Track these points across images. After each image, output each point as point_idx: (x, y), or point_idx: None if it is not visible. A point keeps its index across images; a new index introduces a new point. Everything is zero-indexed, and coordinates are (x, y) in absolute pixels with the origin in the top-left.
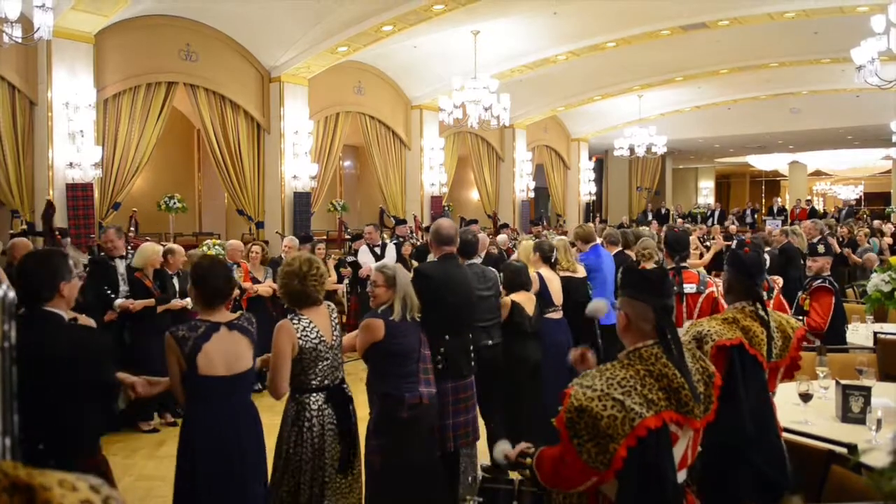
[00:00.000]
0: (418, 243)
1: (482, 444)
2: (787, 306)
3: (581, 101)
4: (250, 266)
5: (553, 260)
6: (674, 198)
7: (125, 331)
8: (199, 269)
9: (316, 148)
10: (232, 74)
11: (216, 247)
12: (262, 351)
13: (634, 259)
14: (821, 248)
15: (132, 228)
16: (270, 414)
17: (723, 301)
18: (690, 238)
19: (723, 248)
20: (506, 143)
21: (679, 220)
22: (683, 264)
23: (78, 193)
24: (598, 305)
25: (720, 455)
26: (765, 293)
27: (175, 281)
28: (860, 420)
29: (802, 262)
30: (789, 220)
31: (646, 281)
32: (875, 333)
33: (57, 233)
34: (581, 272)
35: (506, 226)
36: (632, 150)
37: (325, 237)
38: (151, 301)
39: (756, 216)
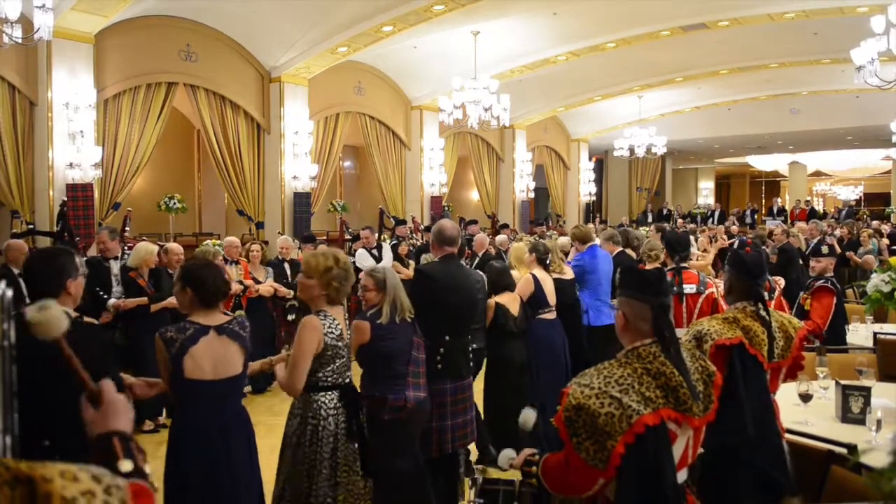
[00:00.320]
0: (419, 243)
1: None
2: (787, 307)
3: (581, 101)
4: (250, 266)
5: (548, 261)
6: (674, 198)
7: (117, 331)
8: (194, 271)
9: (316, 148)
10: (232, 75)
11: (216, 246)
12: (261, 351)
13: (635, 259)
14: (825, 249)
15: (126, 228)
16: (269, 415)
17: (723, 302)
18: (700, 239)
19: (726, 248)
20: (506, 143)
21: (679, 221)
22: (684, 264)
23: (78, 194)
24: (527, 417)
25: (721, 456)
26: (766, 293)
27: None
28: (860, 420)
29: (802, 262)
30: (789, 221)
31: (644, 281)
32: (875, 334)
33: (65, 234)
34: (569, 274)
35: (505, 226)
36: (632, 150)
37: (325, 237)
38: (144, 300)
39: (756, 217)
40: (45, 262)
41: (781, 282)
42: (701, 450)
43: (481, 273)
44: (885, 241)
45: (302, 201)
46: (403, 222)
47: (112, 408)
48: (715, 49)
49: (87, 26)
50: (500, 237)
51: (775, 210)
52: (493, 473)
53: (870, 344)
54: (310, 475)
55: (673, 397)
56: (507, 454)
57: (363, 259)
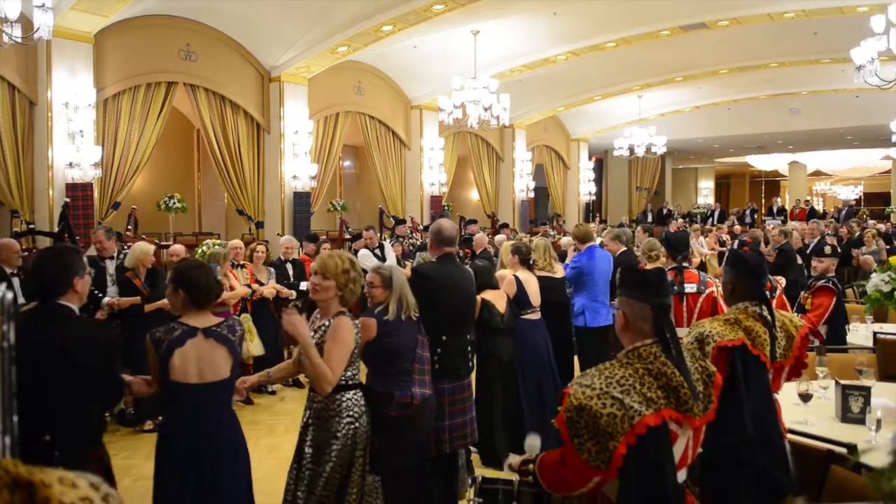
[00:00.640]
0: (418, 243)
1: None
2: (788, 306)
3: (581, 101)
4: (254, 267)
5: (531, 262)
6: (673, 198)
7: (112, 330)
8: (186, 272)
9: (316, 148)
10: (232, 74)
11: (216, 246)
12: (266, 351)
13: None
14: (828, 250)
15: (130, 227)
16: (269, 414)
17: (723, 301)
18: (708, 239)
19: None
20: (505, 143)
21: (680, 220)
22: (685, 264)
23: (78, 193)
24: (532, 444)
25: (721, 456)
26: (767, 293)
27: None
28: (860, 420)
29: (803, 262)
30: (789, 221)
31: (644, 280)
32: (875, 333)
33: (66, 234)
34: (559, 273)
35: (505, 225)
36: (631, 150)
37: (324, 237)
38: (137, 299)
39: (756, 216)
40: (53, 259)
41: (783, 281)
42: (700, 450)
43: (469, 269)
44: (882, 243)
45: (302, 201)
46: (403, 222)
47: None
48: (715, 49)
49: (87, 26)
50: (499, 237)
51: (775, 210)
52: (493, 473)
53: (870, 344)
54: (348, 473)
55: (674, 397)
56: (534, 443)
57: (366, 259)
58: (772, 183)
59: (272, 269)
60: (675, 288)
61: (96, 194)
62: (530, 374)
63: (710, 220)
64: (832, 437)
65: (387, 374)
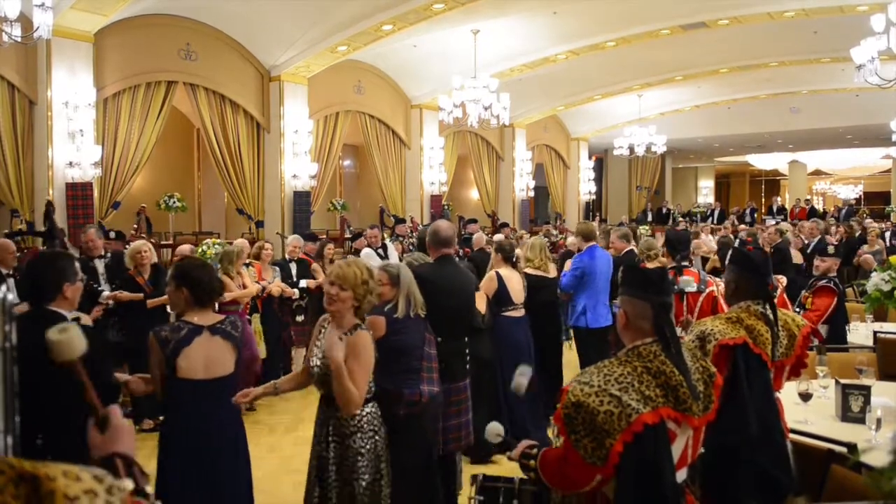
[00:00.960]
0: (417, 242)
1: None
2: (790, 305)
3: (581, 100)
4: (261, 265)
5: (514, 260)
6: (673, 197)
7: (111, 329)
8: (190, 270)
9: (316, 147)
10: (231, 74)
11: (215, 246)
12: (272, 351)
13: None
14: (831, 249)
15: (135, 226)
16: (269, 414)
17: (723, 301)
18: (716, 239)
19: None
20: (505, 142)
21: (680, 220)
22: (684, 263)
23: (77, 193)
24: (493, 428)
25: (722, 455)
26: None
27: None
28: (860, 419)
29: (804, 261)
30: (789, 220)
31: (645, 279)
32: (875, 333)
33: (51, 234)
34: (552, 273)
35: (505, 225)
36: (631, 149)
37: (324, 236)
38: (140, 295)
39: (756, 215)
40: (45, 265)
41: (784, 280)
42: (701, 449)
43: (472, 273)
44: (883, 243)
45: (302, 200)
46: (403, 221)
47: (117, 432)
48: (715, 48)
49: (87, 25)
50: (498, 236)
51: (775, 209)
52: (492, 471)
53: (870, 343)
54: (378, 479)
55: (673, 396)
56: (495, 428)
57: (369, 258)
58: (772, 182)
59: (277, 268)
60: (675, 287)
61: (96, 194)
62: (510, 372)
63: (710, 219)
64: (832, 436)
65: (395, 371)
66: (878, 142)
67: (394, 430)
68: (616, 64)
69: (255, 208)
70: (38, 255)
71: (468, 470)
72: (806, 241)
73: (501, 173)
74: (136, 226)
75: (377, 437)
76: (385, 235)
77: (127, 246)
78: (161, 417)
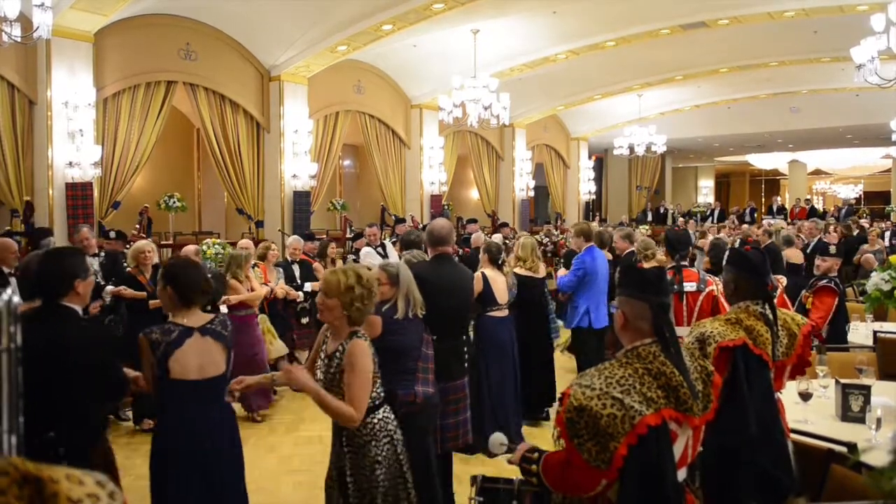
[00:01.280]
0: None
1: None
2: (790, 305)
3: (581, 100)
4: (266, 266)
5: (500, 261)
6: (673, 197)
7: (112, 324)
8: (174, 269)
9: (316, 147)
10: (231, 73)
11: (215, 246)
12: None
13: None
14: (832, 249)
15: (137, 226)
16: (269, 413)
17: (723, 300)
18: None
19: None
20: (505, 142)
21: (680, 220)
22: (684, 263)
23: (77, 192)
24: (495, 440)
25: (723, 455)
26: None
27: None
28: (860, 419)
29: (805, 261)
30: (789, 219)
31: (644, 280)
32: (875, 332)
33: (31, 233)
34: (541, 273)
35: (505, 224)
36: (631, 149)
37: (324, 236)
38: (143, 294)
39: (756, 215)
40: (55, 261)
41: (784, 280)
42: (701, 449)
43: (471, 271)
44: (883, 243)
45: (302, 200)
46: (403, 221)
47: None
48: (715, 47)
49: (87, 25)
50: (497, 236)
51: (775, 209)
52: (492, 471)
53: (870, 342)
54: (403, 487)
55: (674, 397)
56: (498, 438)
57: (369, 257)
58: (772, 182)
59: (280, 270)
60: (675, 287)
61: (96, 194)
62: (494, 371)
63: (710, 219)
64: (832, 435)
65: (390, 372)
66: (878, 141)
67: None
68: (616, 64)
69: (255, 208)
70: (47, 252)
71: (467, 470)
72: (806, 241)
73: (501, 173)
74: (137, 225)
75: (394, 442)
76: (385, 235)
77: (128, 246)
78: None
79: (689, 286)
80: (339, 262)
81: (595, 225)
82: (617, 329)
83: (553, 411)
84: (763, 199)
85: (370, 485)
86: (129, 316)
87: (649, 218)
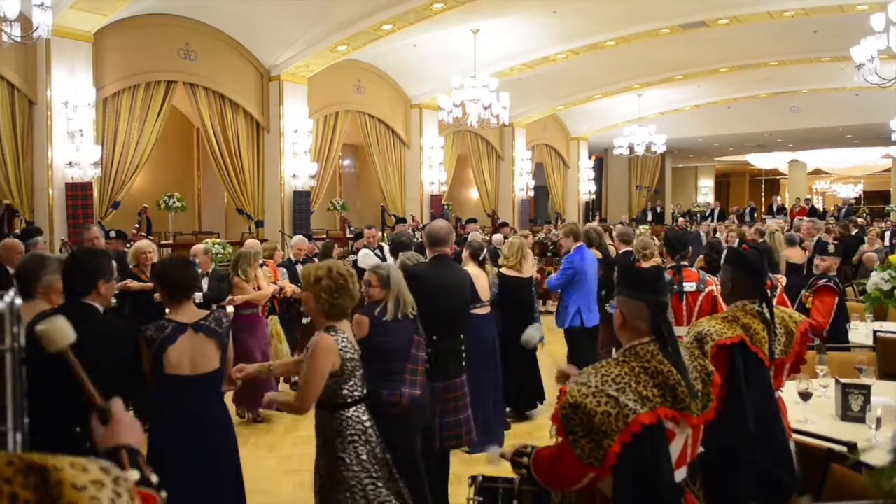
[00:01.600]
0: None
1: None
2: (789, 304)
3: (581, 99)
4: (274, 265)
5: (481, 258)
6: (673, 196)
7: (131, 320)
8: (159, 267)
9: (315, 147)
10: (231, 73)
11: (215, 246)
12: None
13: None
14: (831, 248)
15: (136, 226)
16: (269, 412)
17: (722, 300)
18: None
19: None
20: (505, 141)
21: (680, 220)
22: (684, 263)
23: (77, 192)
24: (531, 334)
25: (724, 454)
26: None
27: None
28: (860, 418)
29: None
30: (789, 219)
31: (641, 279)
32: (875, 332)
33: (16, 233)
34: (527, 273)
35: (505, 224)
36: (631, 148)
37: (324, 236)
38: (150, 285)
39: (756, 215)
40: (84, 261)
41: (783, 280)
42: (701, 448)
43: (468, 272)
44: (881, 242)
45: (301, 200)
46: (404, 220)
47: (119, 424)
48: (715, 47)
49: (87, 25)
50: (496, 236)
51: (775, 208)
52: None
53: (870, 342)
54: (373, 488)
55: (671, 396)
56: (496, 451)
57: (367, 258)
58: (772, 181)
59: (284, 270)
60: (675, 287)
61: (96, 194)
62: (475, 369)
63: (710, 218)
64: (832, 435)
65: (377, 372)
66: (877, 141)
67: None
68: (616, 63)
69: (254, 208)
70: (75, 252)
71: (467, 470)
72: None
73: (501, 173)
74: (137, 225)
75: (363, 443)
76: (385, 235)
77: (128, 245)
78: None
79: (689, 286)
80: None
81: (595, 224)
82: (615, 328)
83: (540, 409)
84: (763, 199)
85: (335, 480)
86: (133, 312)
87: (649, 218)
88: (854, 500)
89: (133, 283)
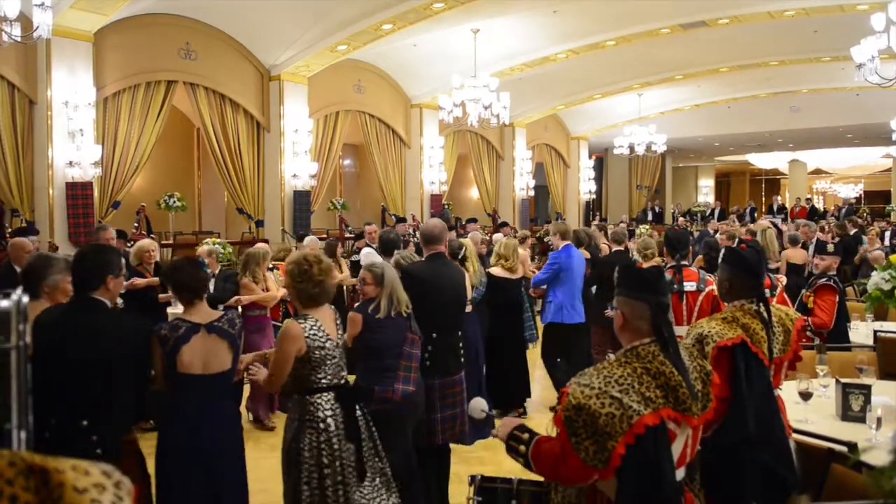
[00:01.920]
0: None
1: None
2: (790, 304)
3: (581, 99)
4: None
5: (460, 257)
6: (674, 196)
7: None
8: (168, 270)
9: (316, 146)
10: (231, 73)
11: (216, 245)
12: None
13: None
14: (830, 248)
15: (135, 225)
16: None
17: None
18: (720, 236)
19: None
20: (506, 141)
21: (681, 219)
22: (684, 263)
23: (77, 192)
24: (476, 405)
25: (725, 454)
26: (766, 290)
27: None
28: (860, 418)
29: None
30: (789, 219)
31: (643, 280)
32: (875, 332)
33: (9, 234)
34: (517, 274)
35: (505, 224)
36: (632, 148)
37: (324, 236)
38: (156, 280)
39: (756, 215)
40: (93, 257)
41: (783, 279)
42: (699, 447)
43: (463, 269)
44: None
45: (302, 200)
46: (404, 220)
47: None
48: (715, 47)
49: (87, 24)
50: (496, 235)
51: (775, 208)
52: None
53: (870, 342)
54: (319, 482)
55: (672, 397)
56: (479, 404)
57: (369, 257)
58: (772, 181)
59: None
60: (675, 286)
61: (96, 193)
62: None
63: (711, 218)
64: (832, 435)
65: (370, 369)
66: (878, 141)
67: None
68: (616, 63)
69: (255, 208)
70: (85, 248)
71: (466, 470)
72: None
73: (501, 172)
74: (136, 225)
75: (314, 432)
76: None
77: (129, 245)
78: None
79: (689, 286)
80: (345, 264)
81: (601, 222)
82: (616, 329)
83: (529, 402)
84: (763, 199)
85: (290, 461)
86: (144, 313)
87: (649, 217)
88: (854, 500)
89: (139, 280)
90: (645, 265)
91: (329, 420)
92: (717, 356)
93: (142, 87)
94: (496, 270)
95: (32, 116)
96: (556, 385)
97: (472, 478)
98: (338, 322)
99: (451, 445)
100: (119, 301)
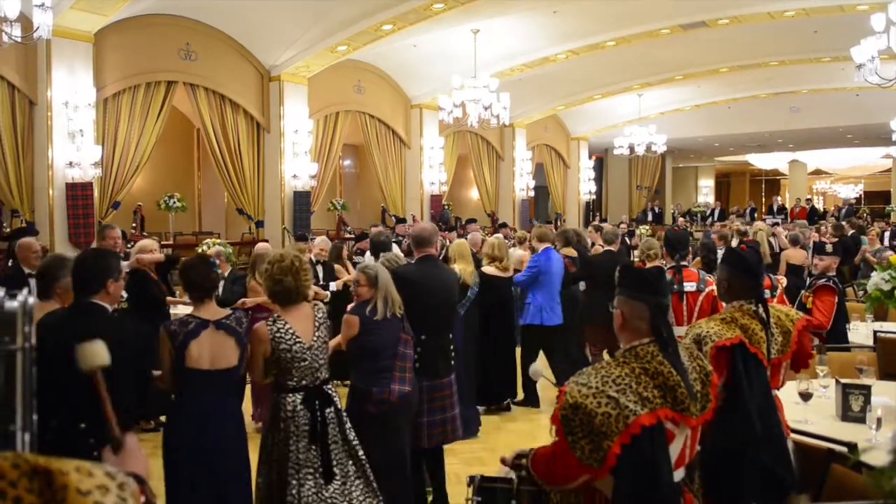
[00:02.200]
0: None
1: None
2: (790, 305)
3: (581, 100)
4: None
5: (445, 258)
6: (674, 196)
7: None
8: (183, 269)
9: (316, 147)
10: (231, 74)
11: (216, 245)
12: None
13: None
14: (829, 248)
15: (134, 225)
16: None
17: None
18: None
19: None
20: (506, 142)
21: (681, 220)
22: (683, 263)
23: (77, 192)
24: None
25: (725, 456)
26: (767, 291)
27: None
28: (860, 419)
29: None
30: (789, 219)
31: (643, 280)
32: (875, 332)
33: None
34: (507, 273)
35: (504, 224)
36: (632, 148)
37: (324, 236)
38: (161, 256)
39: (756, 215)
40: (94, 261)
41: (783, 280)
42: (698, 448)
43: (455, 271)
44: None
45: (302, 200)
46: (404, 221)
47: (130, 455)
48: (715, 47)
49: (87, 25)
50: (497, 235)
51: (775, 208)
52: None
53: (870, 342)
54: (279, 473)
55: (671, 397)
56: (538, 369)
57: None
58: (772, 181)
59: None
60: (675, 287)
61: (96, 194)
62: None
63: (711, 218)
64: (832, 435)
65: (367, 370)
66: (878, 141)
67: (363, 426)
68: (616, 63)
69: (255, 208)
70: (85, 252)
71: (466, 470)
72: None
73: (501, 173)
74: (134, 224)
75: (275, 431)
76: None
77: (129, 245)
78: (162, 418)
79: (689, 286)
80: (349, 264)
81: (547, 229)
82: (615, 329)
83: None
84: (763, 199)
85: (265, 452)
86: (136, 313)
87: (649, 218)
88: (854, 500)
89: (144, 256)
90: (648, 265)
91: (289, 422)
92: (716, 356)
93: (142, 88)
94: (488, 269)
95: (32, 117)
96: (523, 383)
97: (472, 478)
98: (317, 324)
99: (450, 445)
100: (123, 295)
